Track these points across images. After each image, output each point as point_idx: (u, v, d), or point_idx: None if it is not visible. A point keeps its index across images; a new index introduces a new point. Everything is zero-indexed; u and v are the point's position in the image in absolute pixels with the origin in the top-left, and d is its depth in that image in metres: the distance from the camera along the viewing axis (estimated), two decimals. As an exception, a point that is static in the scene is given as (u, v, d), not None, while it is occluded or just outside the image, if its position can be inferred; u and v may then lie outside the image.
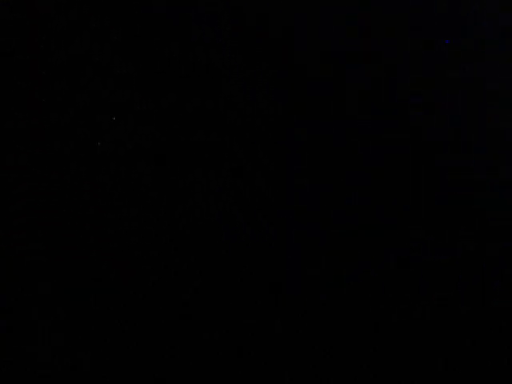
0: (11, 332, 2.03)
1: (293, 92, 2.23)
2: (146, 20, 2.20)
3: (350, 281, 2.15)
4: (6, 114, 2.14)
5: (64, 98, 2.13)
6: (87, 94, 2.18)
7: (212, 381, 2.05)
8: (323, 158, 2.21)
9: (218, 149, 2.18)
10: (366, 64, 2.20)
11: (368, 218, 2.19)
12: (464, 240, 2.15)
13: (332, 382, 2.06)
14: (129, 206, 2.15)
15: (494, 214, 2.15)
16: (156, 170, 2.15)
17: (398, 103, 2.23)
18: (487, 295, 2.10)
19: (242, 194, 2.19)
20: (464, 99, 2.20)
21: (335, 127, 2.23)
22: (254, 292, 2.12)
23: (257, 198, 2.20)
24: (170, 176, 2.16)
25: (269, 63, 2.21)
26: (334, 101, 2.22)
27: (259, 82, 2.20)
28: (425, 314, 2.10)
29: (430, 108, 2.22)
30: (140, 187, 2.17)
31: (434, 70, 2.21)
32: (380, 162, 2.21)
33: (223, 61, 2.19)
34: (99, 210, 2.13)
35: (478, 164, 2.19)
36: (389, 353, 2.06)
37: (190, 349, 2.06)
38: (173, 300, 2.09)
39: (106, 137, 2.15)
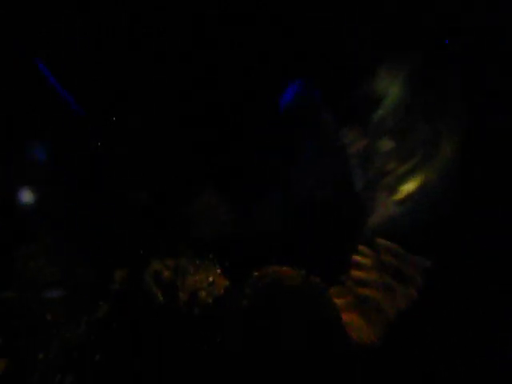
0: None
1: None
2: (149, 19, 2.21)
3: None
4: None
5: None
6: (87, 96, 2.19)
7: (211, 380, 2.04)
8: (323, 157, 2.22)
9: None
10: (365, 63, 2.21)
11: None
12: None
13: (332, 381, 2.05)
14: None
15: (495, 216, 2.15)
16: (155, 171, 2.16)
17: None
18: (487, 295, 2.10)
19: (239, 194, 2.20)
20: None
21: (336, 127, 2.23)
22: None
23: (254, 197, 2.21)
24: (169, 176, 2.17)
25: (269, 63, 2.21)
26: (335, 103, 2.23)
27: (259, 82, 2.21)
28: (425, 313, 2.09)
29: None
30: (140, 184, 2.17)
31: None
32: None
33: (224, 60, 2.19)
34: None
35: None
36: (389, 353, 2.06)
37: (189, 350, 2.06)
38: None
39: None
